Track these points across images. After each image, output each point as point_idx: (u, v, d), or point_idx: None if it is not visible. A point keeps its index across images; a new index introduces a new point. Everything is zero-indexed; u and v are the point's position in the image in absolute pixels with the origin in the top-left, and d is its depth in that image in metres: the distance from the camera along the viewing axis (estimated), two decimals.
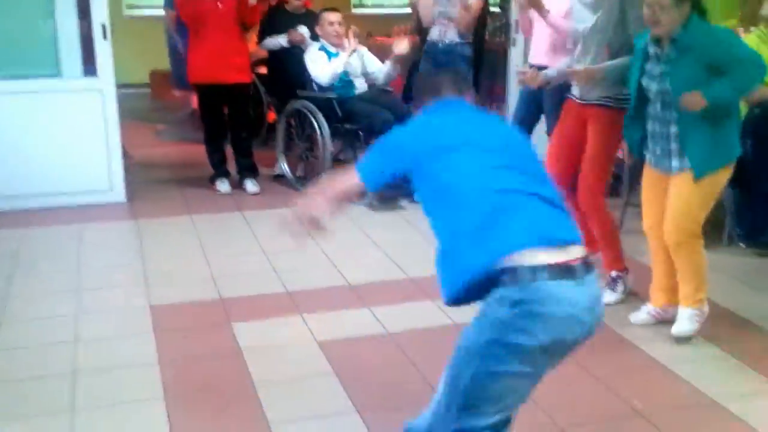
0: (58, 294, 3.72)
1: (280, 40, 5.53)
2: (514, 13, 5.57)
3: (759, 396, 2.88)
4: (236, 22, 5.07)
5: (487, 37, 6.43)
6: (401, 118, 5.06)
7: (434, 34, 5.34)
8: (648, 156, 3.22)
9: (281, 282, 3.87)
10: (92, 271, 4.03)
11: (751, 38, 4.34)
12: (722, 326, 3.38)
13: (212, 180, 5.42)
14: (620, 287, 3.66)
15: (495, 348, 1.81)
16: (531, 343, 1.79)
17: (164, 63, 7.61)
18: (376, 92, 5.31)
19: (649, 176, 3.25)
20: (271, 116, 6.36)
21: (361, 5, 10.12)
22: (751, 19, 5.36)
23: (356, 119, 5.08)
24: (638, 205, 3.77)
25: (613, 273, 3.65)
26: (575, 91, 3.62)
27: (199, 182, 5.53)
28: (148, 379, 2.94)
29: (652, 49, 3.08)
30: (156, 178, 5.76)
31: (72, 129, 4.97)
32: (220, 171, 5.41)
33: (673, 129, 3.05)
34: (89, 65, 4.98)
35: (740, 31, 5.37)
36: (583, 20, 3.55)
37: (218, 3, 4.99)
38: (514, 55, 5.73)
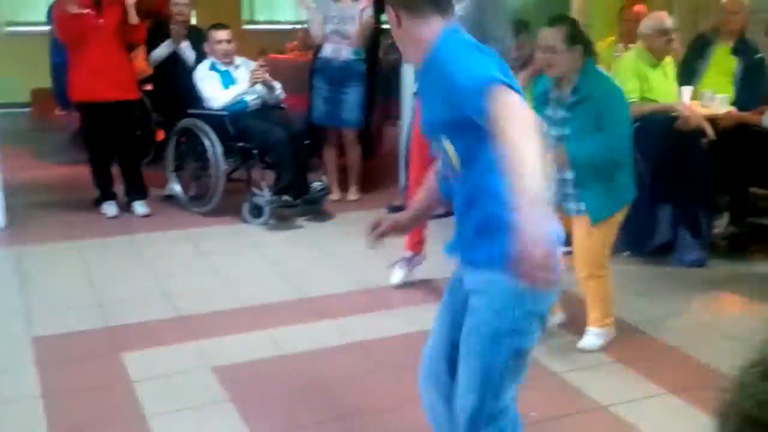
0: None
1: (164, 48, 5.38)
2: None
3: (647, 400, 2.95)
4: (119, 37, 4.90)
5: (380, 54, 6.47)
6: (295, 135, 5.03)
7: (327, 52, 5.33)
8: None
9: (173, 306, 3.73)
10: None
11: (629, 56, 4.54)
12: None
13: (98, 203, 5.19)
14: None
15: (522, 321, 1.84)
16: (545, 305, 1.89)
17: (47, 81, 7.28)
18: (269, 109, 5.24)
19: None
20: (160, 135, 6.17)
21: (252, 21, 9.99)
22: (627, 36, 5.63)
23: (250, 137, 4.98)
24: None
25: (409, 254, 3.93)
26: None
27: (84, 205, 5.28)
28: (30, 414, 2.76)
29: (553, 94, 3.16)
30: (38, 202, 5.47)
31: None
32: (106, 193, 5.19)
33: (569, 175, 3.12)
34: None
35: (620, 47, 5.65)
36: None
37: (99, 19, 4.81)
38: (408, 72, 5.78)
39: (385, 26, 6.60)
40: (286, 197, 4.83)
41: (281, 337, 3.41)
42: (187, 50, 5.43)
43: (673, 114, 4.26)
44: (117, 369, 3.11)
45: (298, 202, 4.93)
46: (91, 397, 2.91)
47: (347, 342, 3.36)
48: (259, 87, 5.10)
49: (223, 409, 2.83)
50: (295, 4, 10.22)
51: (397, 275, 3.98)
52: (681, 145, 4.20)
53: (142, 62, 5.55)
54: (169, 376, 3.07)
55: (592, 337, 3.35)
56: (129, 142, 5.19)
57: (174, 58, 5.37)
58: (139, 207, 5.16)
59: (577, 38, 3.08)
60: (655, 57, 4.41)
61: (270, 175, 5.18)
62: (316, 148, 5.57)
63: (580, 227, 3.22)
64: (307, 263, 4.37)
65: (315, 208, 5.13)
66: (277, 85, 5.22)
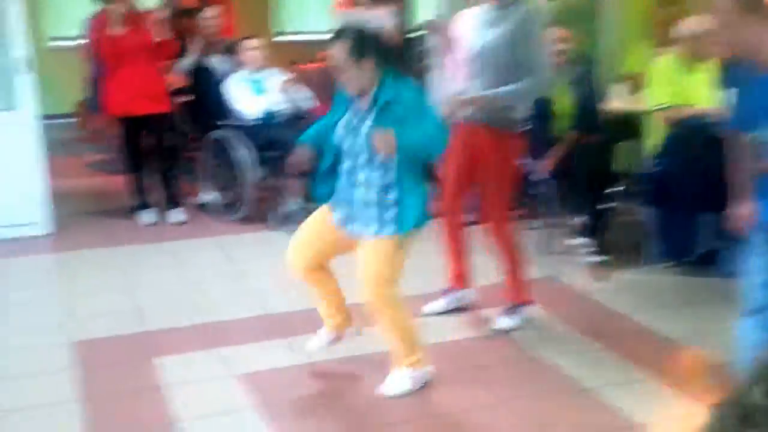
0: None
1: (190, 58, 5.51)
2: (431, 40, 5.65)
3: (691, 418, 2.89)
4: (151, 52, 5.04)
5: (408, 62, 6.50)
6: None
7: None
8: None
9: (204, 312, 3.85)
10: (14, 308, 3.95)
11: (662, 61, 4.42)
12: (642, 344, 3.47)
13: (134, 211, 5.34)
14: (518, 314, 3.65)
15: None
16: None
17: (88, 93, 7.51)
18: (300, 118, 5.34)
19: None
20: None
21: (282, 33, 10.09)
22: (664, 41, 5.55)
23: (281, 146, 5.09)
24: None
25: (516, 303, 3.65)
26: (471, 113, 3.49)
27: (124, 213, 5.45)
28: (68, 417, 2.90)
29: (355, 107, 2.95)
30: (81, 210, 5.67)
31: None
32: (142, 202, 5.34)
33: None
34: (8, 99, 4.90)
35: (658, 52, 5.57)
36: (479, 38, 3.43)
37: (132, 35, 4.96)
38: (433, 81, 5.80)
39: (412, 35, 6.67)
40: (315, 205, 4.89)
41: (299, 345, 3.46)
42: (218, 63, 5.56)
43: (710, 120, 4.14)
44: (150, 374, 3.24)
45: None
46: (125, 401, 3.05)
47: (374, 351, 3.39)
48: (287, 96, 5.19)
49: (251, 417, 2.93)
50: (323, 13, 10.34)
51: (433, 306, 3.81)
52: (721, 152, 4.12)
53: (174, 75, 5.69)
54: (199, 382, 3.19)
55: (396, 382, 3.07)
56: (164, 153, 5.33)
57: (206, 70, 5.49)
58: (175, 215, 5.30)
59: (365, 50, 2.85)
60: (693, 61, 4.30)
61: (300, 184, 5.27)
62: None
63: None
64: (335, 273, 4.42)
65: None
66: (307, 95, 5.33)
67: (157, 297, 4.07)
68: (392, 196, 2.91)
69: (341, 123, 2.96)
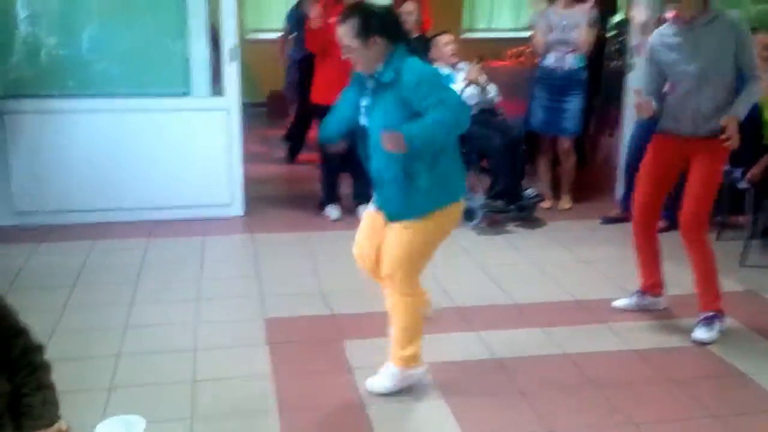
0: (180, 303, 3.91)
1: None
2: (634, 38, 5.48)
3: None
4: None
5: (604, 60, 6.34)
6: (513, 141, 5.09)
7: (551, 61, 5.33)
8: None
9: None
10: (211, 283, 4.21)
11: None
12: None
13: (322, 205, 5.47)
14: (716, 326, 3.54)
15: None
16: None
17: (281, 84, 7.90)
18: (488, 115, 5.33)
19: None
20: None
21: (472, 29, 10.15)
22: None
23: (468, 142, 5.10)
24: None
25: (710, 312, 3.54)
26: (682, 126, 3.51)
27: (311, 200, 5.64)
28: (262, 391, 3.05)
29: (366, 84, 2.91)
30: (271, 196, 5.96)
31: (198, 146, 5.24)
32: (332, 197, 5.45)
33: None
34: (217, 85, 5.24)
35: None
36: (687, 61, 3.44)
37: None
38: (632, 81, 5.62)
39: (610, 33, 6.48)
40: (499, 202, 4.90)
41: (491, 340, 3.49)
42: None
43: None
44: (339, 355, 3.36)
45: (511, 207, 5.00)
46: (316, 381, 3.16)
47: (558, 353, 3.38)
48: (472, 89, 5.19)
49: (437, 404, 2.97)
50: (514, 10, 10.28)
51: (623, 301, 3.87)
52: None
53: None
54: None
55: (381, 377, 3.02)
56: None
57: None
58: (363, 209, 5.42)
59: (372, 28, 2.76)
60: None
61: (485, 180, 5.28)
62: (531, 155, 5.59)
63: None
64: (515, 269, 4.42)
65: (526, 215, 5.16)
66: (492, 88, 5.30)
67: (345, 283, 4.17)
68: (405, 180, 2.80)
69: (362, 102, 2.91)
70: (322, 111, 5.19)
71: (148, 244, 4.78)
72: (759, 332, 3.60)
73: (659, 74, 3.53)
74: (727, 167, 4.66)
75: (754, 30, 4.60)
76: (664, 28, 3.53)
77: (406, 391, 3.05)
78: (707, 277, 3.55)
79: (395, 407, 2.96)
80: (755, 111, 4.38)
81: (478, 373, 3.21)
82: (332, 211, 5.41)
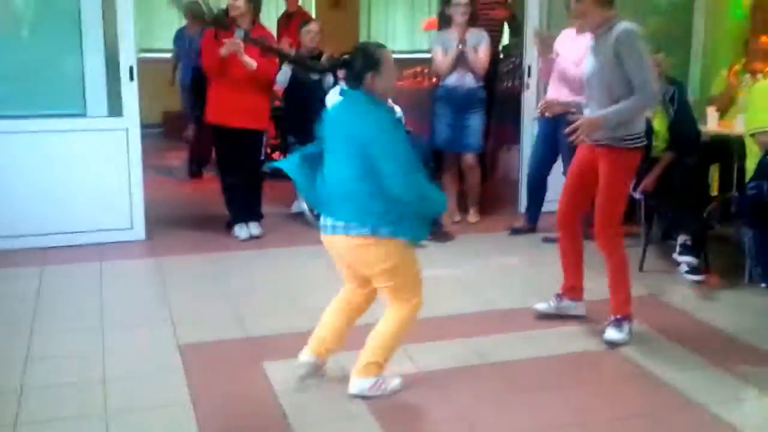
0: (84, 332, 3.71)
1: (285, 70, 5.57)
2: (529, 58, 5.70)
3: None
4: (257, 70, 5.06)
5: (497, 81, 6.56)
6: (421, 158, 5.14)
7: (451, 81, 5.46)
8: None
9: (309, 318, 3.84)
10: (116, 310, 4.03)
11: (763, 85, 4.45)
12: (748, 363, 3.45)
13: (230, 225, 5.36)
14: (626, 327, 3.67)
15: None
16: None
17: (175, 103, 7.71)
18: None
19: None
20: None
21: None
22: (754, 65, 5.52)
23: None
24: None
25: (619, 316, 3.67)
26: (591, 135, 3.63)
27: (215, 220, 5.53)
28: (182, 419, 2.93)
29: None
30: (172, 217, 5.79)
31: (95, 168, 5.03)
32: (239, 216, 5.35)
33: None
34: (114, 104, 5.05)
35: (747, 78, 5.53)
36: (587, 67, 3.65)
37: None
38: (527, 99, 5.83)
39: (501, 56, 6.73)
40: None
41: (417, 354, 3.49)
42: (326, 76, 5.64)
43: None
44: (259, 378, 3.26)
45: None
46: (238, 404, 3.07)
47: (482, 363, 3.43)
48: None
49: (366, 423, 2.92)
50: (410, 34, 10.50)
51: (542, 305, 3.92)
52: None
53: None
54: (310, 387, 3.19)
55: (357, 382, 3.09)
56: (252, 169, 5.34)
57: (307, 82, 5.57)
58: (254, 229, 5.33)
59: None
60: None
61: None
62: (435, 171, 5.68)
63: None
64: (432, 283, 4.39)
65: (436, 229, 5.23)
66: (398, 110, 5.36)
67: (259, 303, 4.11)
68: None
69: None
70: (220, 131, 5.17)
71: (44, 271, 4.53)
72: (664, 334, 3.75)
73: None
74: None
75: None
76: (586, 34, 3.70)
77: (331, 410, 3.01)
78: (618, 280, 3.68)
79: (324, 428, 2.90)
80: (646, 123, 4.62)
81: (407, 389, 3.18)
82: (240, 231, 5.30)
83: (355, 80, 3.00)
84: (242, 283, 4.44)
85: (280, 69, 5.49)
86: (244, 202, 5.33)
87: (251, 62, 4.96)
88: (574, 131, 3.48)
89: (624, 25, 3.46)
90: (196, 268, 4.71)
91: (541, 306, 3.92)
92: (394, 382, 3.13)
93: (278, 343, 3.61)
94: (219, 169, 5.43)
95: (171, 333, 3.70)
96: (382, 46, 3.08)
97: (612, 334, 3.63)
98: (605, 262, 3.68)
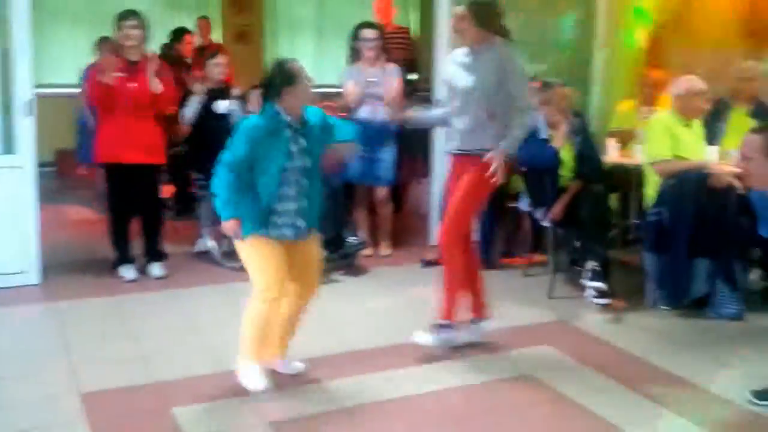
0: None
1: (194, 103, 5.45)
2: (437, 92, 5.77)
3: None
4: (150, 103, 4.93)
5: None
6: (332, 190, 5.12)
7: (364, 113, 5.44)
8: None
9: (216, 360, 3.71)
10: (10, 359, 3.77)
11: (661, 117, 4.67)
12: (658, 384, 3.53)
13: (116, 266, 5.12)
14: (443, 334, 3.77)
15: None
16: None
17: (70, 141, 7.43)
18: None
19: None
20: (168, 191, 6.34)
21: None
22: (648, 100, 5.80)
23: None
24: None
25: (441, 321, 3.78)
26: (455, 143, 3.80)
27: (105, 264, 5.24)
28: None
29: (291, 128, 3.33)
30: (69, 260, 5.48)
31: None
32: (126, 257, 5.13)
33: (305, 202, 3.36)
34: (7, 142, 4.80)
35: (644, 110, 5.80)
36: (461, 79, 3.76)
37: (131, 83, 4.84)
38: (437, 133, 5.89)
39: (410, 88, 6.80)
40: (324, 252, 4.87)
41: (333, 389, 3.42)
42: (226, 109, 5.52)
43: (706, 171, 4.36)
44: (169, 425, 3.11)
45: (334, 256, 5.00)
46: None
47: (398, 395, 3.38)
48: None
49: None
50: (317, 67, 10.51)
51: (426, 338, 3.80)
52: (715, 201, 4.28)
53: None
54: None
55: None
56: (152, 206, 5.17)
57: (214, 116, 5.45)
58: (157, 269, 5.14)
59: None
60: (687, 117, 4.56)
61: None
62: (347, 204, 5.66)
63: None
64: (348, 317, 4.39)
65: (350, 262, 5.21)
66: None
67: (166, 345, 3.94)
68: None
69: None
70: (112, 169, 4.95)
71: None
72: (576, 358, 3.81)
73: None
74: (528, 207, 5.04)
75: (549, 84, 5.05)
76: (460, 50, 3.82)
77: None
78: (450, 289, 3.78)
79: None
80: (553, 155, 4.76)
81: (322, 423, 3.11)
82: (126, 272, 5.07)
83: (269, 95, 3.33)
84: (146, 325, 4.25)
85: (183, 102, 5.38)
86: (131, 243, 5.13)
87: (157, 84, 4.86)
88: (494, 174, 3.62)
89: (503, 46, 3.68)
90: (96, 311, 4.48)
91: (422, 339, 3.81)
92: (251, 377, 3.35)
93: (187, 386, 3.46)
94: (109, 208, 5.16)
95: (72, 381, 3.49)
96: (296, 62, 3.38)
97: (421, 336, 3.75)
98: (444, 266, 3.79)
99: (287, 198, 3.32)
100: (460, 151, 3.79)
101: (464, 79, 3.72)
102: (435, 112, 4.17)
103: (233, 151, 3.29)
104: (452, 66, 3.81)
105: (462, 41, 3.75)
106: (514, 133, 3.67)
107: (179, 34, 7.80)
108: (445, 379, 3.57)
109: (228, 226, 3.33)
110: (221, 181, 3.32)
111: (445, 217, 3.80)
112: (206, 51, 7.38)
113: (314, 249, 3.51)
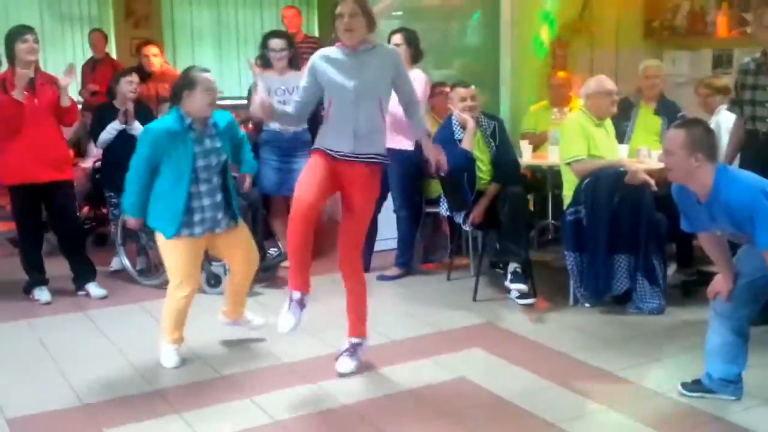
0: None
1: (113, 126, 5.23)
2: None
3: None
4: (53, 117, 4.71)
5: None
6: (250, 203, 5.01)
7: (276, 124, 5.26)
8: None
9: (145, 380, 3.59)
10: None
11: (574, 117, 4.78)
12: (589, 380, 3.59)
13: (28, 289, 4.87)
14: (359, 352, 3.74)
15: None
16: None
17: None
18: None
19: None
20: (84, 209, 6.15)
21: None
22: (557, 100, 5.97)
23: None
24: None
25: (357, 340, 3.74)
26: (343, 145, 3.51)
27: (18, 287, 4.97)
28: None
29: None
30: None
31: None
32: (38, 279, 4.88)
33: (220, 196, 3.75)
34: None
35: (555, 111, 5.97)
36: (350, 79, 3.50)
37: (33, 100, 4.61)
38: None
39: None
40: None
41: (267, 404, 3.33)
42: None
43: (621, 169, 4.49)
44: None
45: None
46: None
47: (335, 406, 3.33)
48: None
49: None
50: (218, 79, 10.28)
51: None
52: (631, 198, 4.42)
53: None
54: None
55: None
56: (69, 224, 4.94)
57: (126, 135, 5.21)
58: (95, 289, 4.92)
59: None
60: (598, 117, 4.67)
61: None
62: (265, 217, 5.54)
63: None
64: (272, 329, 4.26)
65: (271, 275, 5.09)
66: None
67: (91, 367, 3.76)
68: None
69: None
70: (22, 190, 4.67)
71: None
72: (504, 358, 3.84)
73: (314, 90, 3.58)
74: (447, 212, 5.06)
75: (456, 84, 5.09)
76: (331, 49, 3.58)
77: None
78: (364, 304, 3.78)
79: None
80: (469, 160, 4.79)
81: None
82: (40, 294, 4.82)
83: (173, 100, 3.64)
84: (67, 347, 4.05)
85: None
86: (44, 265, 4.91)
87: (67, 98, 4.71)
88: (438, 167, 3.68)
89: (387, 45, 3.70)
90: (12, 335, 4.25)
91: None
92: (166, 355, 3.76)
93: (116, 408, 3.32)
94: (20, 231, 4.87)
95: None
96: (205, 71, 3.68)
97: (347, 364, 3.67)
98: (352, 287, 3.72)
99: (200, 195, 3.66)
100: (350, 155, 3.50)
101: (352, 78, 3.46)
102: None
103: (137, 152, 3.62)
104: (325, 64, 3.52)
105: (349, 41, 3.48)
106: (424, 125, 3.66)
107: None
108: (379, 387, 3.53)
109: (132, 223, 3.76)
110: (126, 181, 3.65)
111: (352, 236, 3.65)
112: (99, 65, 7.18)
113: (240, 232, 3.88)
